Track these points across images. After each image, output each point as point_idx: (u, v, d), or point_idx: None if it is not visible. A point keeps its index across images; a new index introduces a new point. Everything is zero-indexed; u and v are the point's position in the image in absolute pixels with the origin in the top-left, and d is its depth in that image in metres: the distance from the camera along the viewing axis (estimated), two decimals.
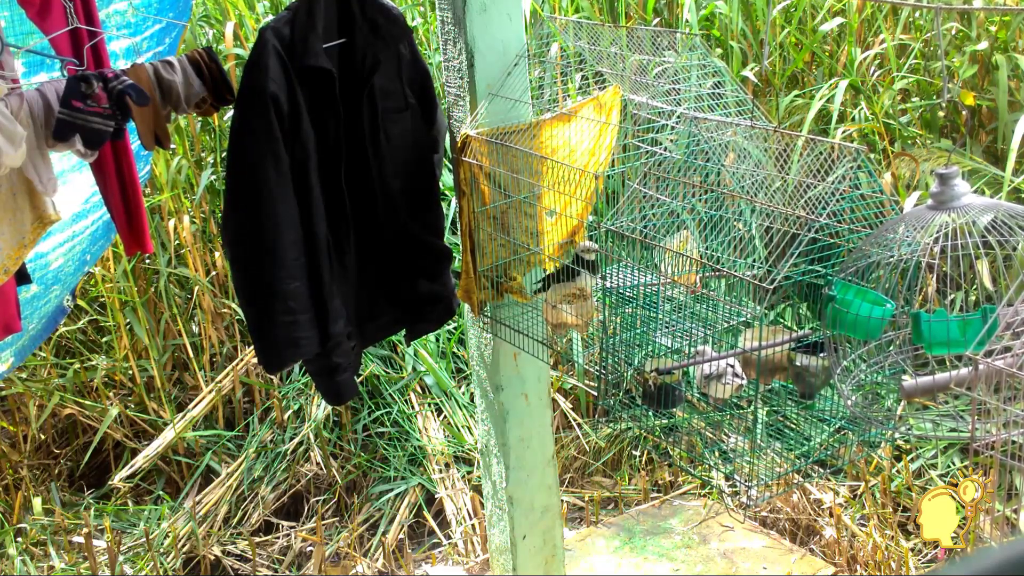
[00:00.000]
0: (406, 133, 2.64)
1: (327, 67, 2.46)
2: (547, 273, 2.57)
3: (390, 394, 4.31)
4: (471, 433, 4.18)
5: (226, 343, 4.54)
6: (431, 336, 4.41)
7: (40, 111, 2.20)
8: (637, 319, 2.23)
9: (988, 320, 1.70)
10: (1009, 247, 1.88)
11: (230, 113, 2.67)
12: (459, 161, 2.55)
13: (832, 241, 2.00)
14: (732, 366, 2.11)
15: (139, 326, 4.40)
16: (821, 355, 2.00)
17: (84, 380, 4.52)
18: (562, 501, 3.67)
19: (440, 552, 3.90)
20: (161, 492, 4.27)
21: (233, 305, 4.48)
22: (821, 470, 2.39)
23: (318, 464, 4.18)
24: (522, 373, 2.85)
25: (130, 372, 4.48)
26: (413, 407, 4.31)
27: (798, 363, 2.03)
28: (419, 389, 4.36)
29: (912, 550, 3.48)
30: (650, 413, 2.19)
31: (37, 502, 4.15)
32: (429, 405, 4.32)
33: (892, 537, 3.53)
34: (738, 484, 2.07)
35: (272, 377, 4.37)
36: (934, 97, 4.40)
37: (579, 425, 4.20)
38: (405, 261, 2.73)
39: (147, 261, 4.56)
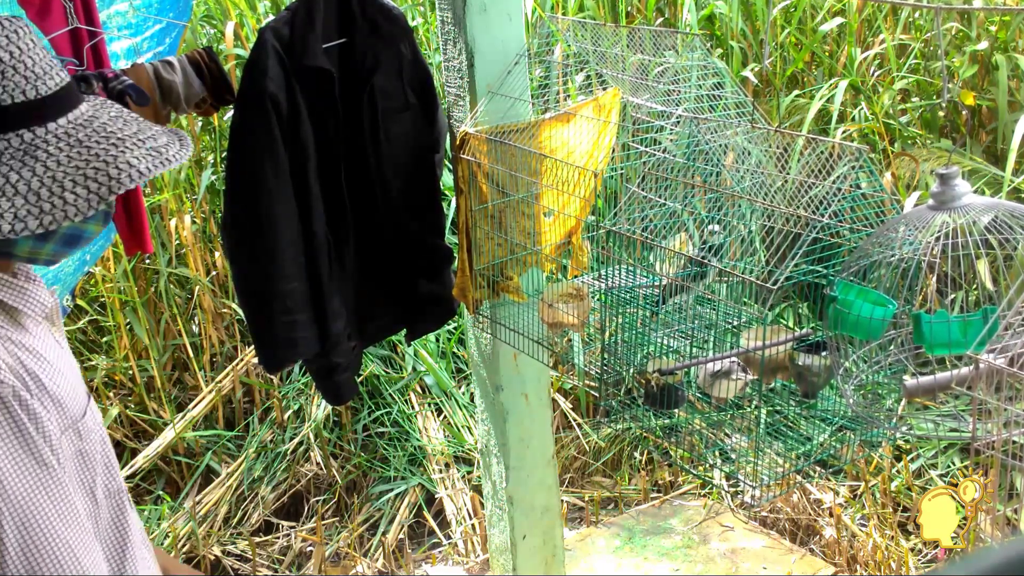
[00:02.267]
0: (407, 133, 2.64)
1: (326, 67, 2.46)
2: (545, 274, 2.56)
3: (390, 394, 4.31)
4: (471, 433, 4.18)
5: (226, 343, 4.54)
6: (431, 336, 4.40)
7: None
8: (637, 319, 2.23)
9: (989, 320, 1.70)
10: (1009, 247, 1.88)
11: (230, 113, 2.66)
12: (457, 159, 2.55)
13: (833, 241, 2.00)
14: (736, 363, 2.11)
15: (139, 326, 4.40)
16: (822, 354, 2.00)
17: (84, 380, 4.51)
18: (562, 501, 3.67)
19: (440, 552, 3.90)
20: (161, 492, 4.26)
21: (233, 305, 4.48)
22: (822, 470, 2.39)
23: (318, 464, 4.18)
24: (522, 373, 2.85)
25: (130, 372, 4.47)
26: (413, 407, 4.30)
27: (799, 363, 2.03)
28: (419, 389, 4.36)
29: (912, 550, 3.48)
30: (651, 413, 2.18)
31: None
32: (429, 405, 4.32)
33: (892, 537, 3.53)
34: (741, 484, 2.07)
35: (272, 377, 4.37)
36: (934, 97, 4.39)
37: (579, 425, 4.20)
38: (405, 261, 2.73)
39: (147, 261, 4.56)
